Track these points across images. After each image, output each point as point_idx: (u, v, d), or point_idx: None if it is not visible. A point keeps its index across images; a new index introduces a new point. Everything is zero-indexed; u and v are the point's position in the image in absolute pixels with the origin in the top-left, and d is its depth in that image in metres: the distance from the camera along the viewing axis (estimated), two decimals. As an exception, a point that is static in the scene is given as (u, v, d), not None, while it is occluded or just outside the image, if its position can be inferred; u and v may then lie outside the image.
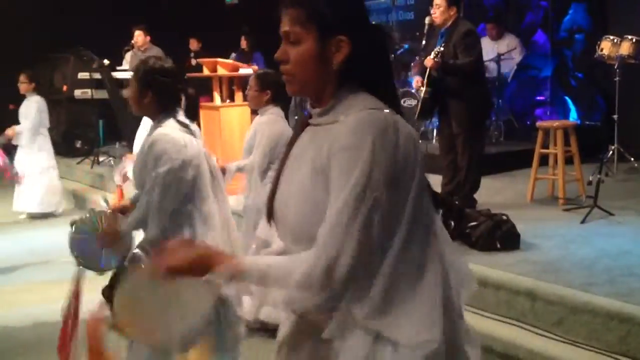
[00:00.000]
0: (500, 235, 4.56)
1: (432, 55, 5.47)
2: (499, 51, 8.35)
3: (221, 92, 7.08)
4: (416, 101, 7.19)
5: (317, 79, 1.55)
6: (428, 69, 5.53)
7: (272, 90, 4.37)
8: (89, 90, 10.08)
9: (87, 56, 9.94)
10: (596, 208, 5.23)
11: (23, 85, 7.89)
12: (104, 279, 2.97)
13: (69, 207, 8.42)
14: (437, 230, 1.56)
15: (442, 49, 5.47)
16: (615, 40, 6.96)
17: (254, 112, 4.99)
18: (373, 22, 1.66)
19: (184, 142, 2.86)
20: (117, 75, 9.59)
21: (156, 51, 8.44)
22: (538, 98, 8.94)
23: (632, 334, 3.34)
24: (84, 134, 10.73)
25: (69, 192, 8.78)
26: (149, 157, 2.83)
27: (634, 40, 6.84)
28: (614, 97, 7.04)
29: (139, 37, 8.84)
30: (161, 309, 1.73)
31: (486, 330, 3.69)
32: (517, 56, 8.69)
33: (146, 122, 6.60)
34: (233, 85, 7.24)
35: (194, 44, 11.11)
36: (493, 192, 6.27)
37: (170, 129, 2.87)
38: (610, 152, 6.99)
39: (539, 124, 6.38)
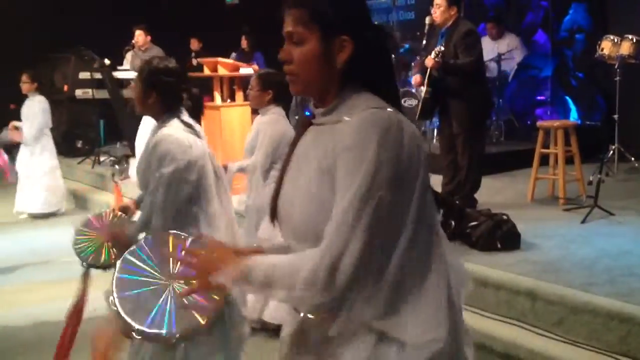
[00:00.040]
0: (501, 235, 4.55)
1: (433, 55, 5.46)
2: (499, 51, 8.35)
3: (222, 91, 7.09)
4: (417, 101, 7.21)
5: (320, 78, 1.56)
6: (429, 69, 5.53)
7: (273, 90, 4.37)
8: (89, 90, 10.06)
9: (87, 56, 9.92)
10: (596, 208, 5.23)
11: (25, 85, 7.85)
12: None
13: (70, 207, 8.43)
14: (440, 230, 1.56)
15: (442, 48, 5.47)
16: (615, 40, 6.96)
17: (255, 112, 4.99)
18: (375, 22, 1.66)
19: (188, 142, 2.85)
20: (117, 75, 9.58)
21: (157, 51, 8.45)
22: (538, 98, 8.94)
23: (633, 334, 3.35)
24: (85, 133, 10.71)
25: (69, 192, 8.77)
26: (153, 158, 2.82)
27: (634, 40, 6.84)
28: (614, 97, 7.03)
29: (139, 36, 8.84)
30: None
31: (486, 330, 3.70)
32: (517, 56, 8.68)
33: (147, 122, 6.62)
34: (234, 85, 7.24)
35: (194, 44, 11.13)
36: (493, 192, 6.27)
37: (175, 129, 2.86)
38: (611, 152, 6.98)
39: (539, 123, 6.38)
